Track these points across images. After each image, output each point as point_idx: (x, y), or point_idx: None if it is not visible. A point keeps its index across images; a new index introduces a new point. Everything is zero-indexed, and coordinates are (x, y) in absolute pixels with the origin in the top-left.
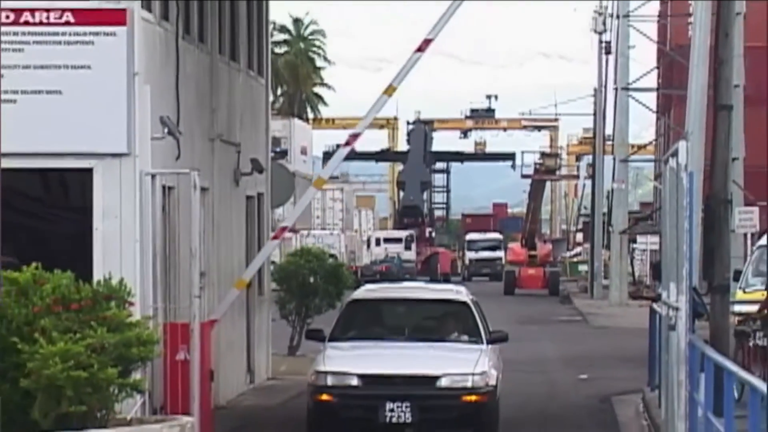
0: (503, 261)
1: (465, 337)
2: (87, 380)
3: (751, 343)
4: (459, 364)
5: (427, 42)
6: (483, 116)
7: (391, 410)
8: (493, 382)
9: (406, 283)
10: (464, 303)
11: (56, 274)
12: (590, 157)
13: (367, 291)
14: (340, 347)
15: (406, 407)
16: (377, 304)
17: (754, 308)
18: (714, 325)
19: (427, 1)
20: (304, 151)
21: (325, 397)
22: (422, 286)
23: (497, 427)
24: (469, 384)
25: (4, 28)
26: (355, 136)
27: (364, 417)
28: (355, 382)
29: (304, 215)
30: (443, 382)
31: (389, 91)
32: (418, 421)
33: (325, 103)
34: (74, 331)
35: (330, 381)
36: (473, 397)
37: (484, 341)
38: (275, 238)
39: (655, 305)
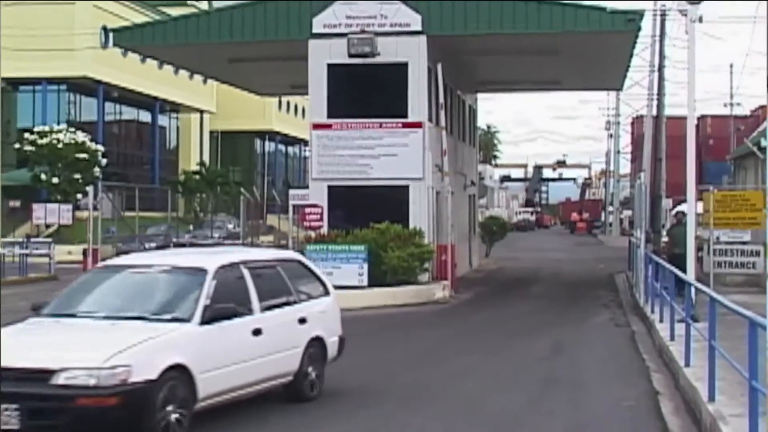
0: None
1: (167, 316)
2: (407, 267)
3: (665, 255)
4: (88, 352)
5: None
6: (561, 163)
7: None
8: (137, 378)
9: (174, 249)
10: (202, 270)
11: (395, 225)
12: (604, 179)
13: (120, 258)
14: (17, 326)
15: (15, 411)
16: (114, 270)
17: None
18: (654, 246)
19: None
20: (490, 177)
21: None
22: (183, 253)
23: None
24: (91, 382)
25: (374, 129)
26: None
27: None
28: None
29: (490, 201)
30: (60, 379)
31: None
32: (26, 428)
33: (498, 158)
34: (402, 248)
35: None
36: (91, 400)
37: (196, 320)
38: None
39: (631, 238)
